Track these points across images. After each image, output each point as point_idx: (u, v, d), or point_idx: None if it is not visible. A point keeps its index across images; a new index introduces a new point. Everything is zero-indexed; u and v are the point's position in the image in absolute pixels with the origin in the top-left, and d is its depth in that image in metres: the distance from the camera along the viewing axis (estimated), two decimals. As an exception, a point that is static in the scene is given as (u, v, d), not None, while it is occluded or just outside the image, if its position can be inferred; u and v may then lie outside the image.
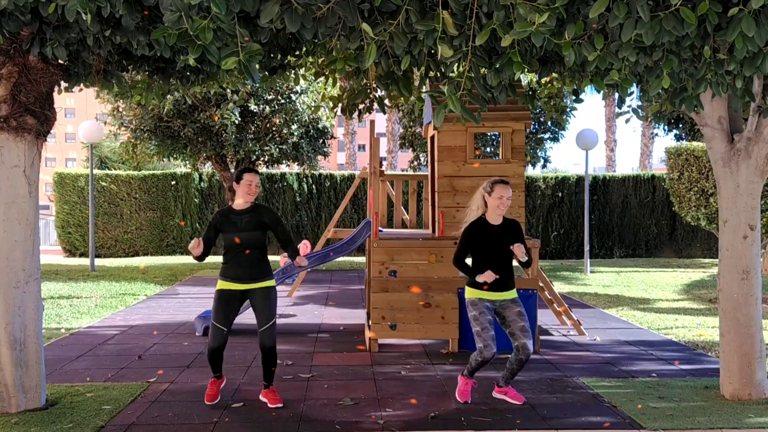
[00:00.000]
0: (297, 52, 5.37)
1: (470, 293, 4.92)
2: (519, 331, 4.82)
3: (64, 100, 68.37)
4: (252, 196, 4.88)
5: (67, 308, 9.33)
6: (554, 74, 6.23)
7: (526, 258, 4.89)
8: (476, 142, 15.63)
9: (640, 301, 10.41)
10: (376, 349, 6.79)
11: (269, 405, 4.96)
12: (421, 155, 18.17)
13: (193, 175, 19.11)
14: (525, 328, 4.82)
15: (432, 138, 7.66)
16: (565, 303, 7.91)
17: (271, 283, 4.94)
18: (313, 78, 10.36)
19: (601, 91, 4.75)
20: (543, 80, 7.90)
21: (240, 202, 4.92)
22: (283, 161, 14.63)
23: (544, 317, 8.42)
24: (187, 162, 14.75)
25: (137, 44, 4.14)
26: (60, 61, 4.68)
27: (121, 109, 13.82)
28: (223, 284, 4.88)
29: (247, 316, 8.53)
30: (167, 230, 19.27)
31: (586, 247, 14.38)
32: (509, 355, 6.47)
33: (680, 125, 15.13)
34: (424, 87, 6.68)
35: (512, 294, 4.95)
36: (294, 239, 5.03)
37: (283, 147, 13.72)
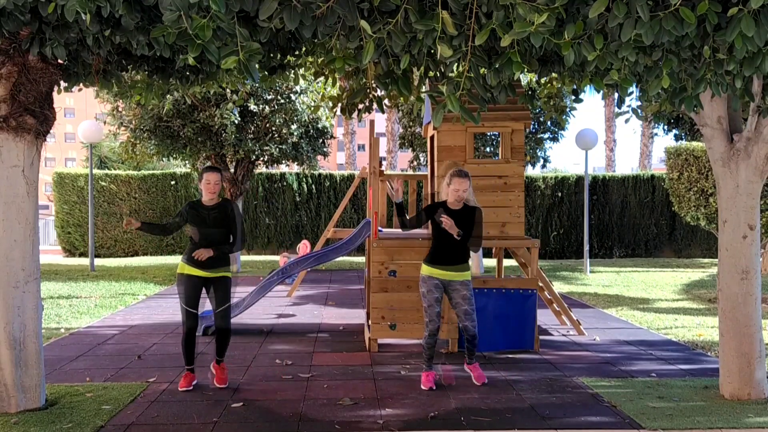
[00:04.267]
0: (296, 52, 5.38)
1: (423, 269, 5.43)
2: (462, 314, 5.36)
3: (63, 99, 68.32)
4: (212, 193, 5.30)
5: (66, 308, 9.32)
6: (554, 74, 6.23)
7: (456, 234, 5.19)
8: (476, 142, 15.64)
9: (640, 301, 10.41)
10: (376, 349, 6.79)
11: (213, 382, 5.46)
12: (420, 155, 18.15)
13: (192, 175, 19.10)
14: (468, 311, 5.34)
15: (432, 138, 7.66)
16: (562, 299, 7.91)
17: (228, 273, 5.42)
18: (313, 78, 10.36)
19: (601, 91, 4.76)
20: (542, 80, 7.91)
21: (207, 198, 5.33)
22: (283, 161, 14.63)
23: (544, 317, 8.42)
24: (187, 162, 14.75)
25: (137, 44, 4.14)
26: (59, 60, 4.68)
27: (120, 109, 13.82)
28: (185, 268, 5.30)
29: (246, 317, 8.53)
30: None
31: (586, 247, 14.38)
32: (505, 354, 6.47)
33: (680, 125, 15.13)
34: (423, 87, 6.68)
35: (463, 276, 5.38)
36: (241, 242, 5.45)
37: (283, 147, 13.72)
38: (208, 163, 14.90)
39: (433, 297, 5.35)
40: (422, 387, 5.41)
